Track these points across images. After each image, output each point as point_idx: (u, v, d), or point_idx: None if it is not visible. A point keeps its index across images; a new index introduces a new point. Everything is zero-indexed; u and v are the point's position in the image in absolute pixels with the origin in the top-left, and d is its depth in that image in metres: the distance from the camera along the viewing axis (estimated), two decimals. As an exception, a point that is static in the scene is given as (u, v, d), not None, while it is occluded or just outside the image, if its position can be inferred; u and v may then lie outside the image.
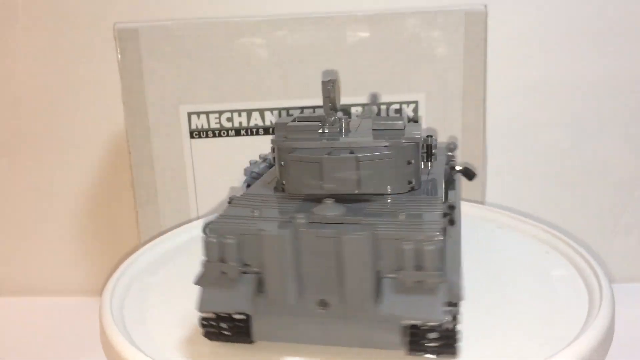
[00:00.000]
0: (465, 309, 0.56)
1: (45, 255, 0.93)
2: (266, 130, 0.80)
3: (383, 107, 0.79)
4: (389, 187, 0.52)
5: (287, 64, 0.78)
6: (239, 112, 0.79)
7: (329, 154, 0.51)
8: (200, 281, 0.47)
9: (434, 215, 0.47)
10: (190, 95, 0.79)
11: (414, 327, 0.45)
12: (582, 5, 0.81)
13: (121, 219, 0.90)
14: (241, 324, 0.49)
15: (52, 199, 0.90)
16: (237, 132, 0.80)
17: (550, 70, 0.83)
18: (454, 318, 0.46)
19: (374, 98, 0.78)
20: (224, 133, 0.80)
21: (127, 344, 0.51)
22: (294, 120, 0.55)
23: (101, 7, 0.82)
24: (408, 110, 0.79)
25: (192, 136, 0.80)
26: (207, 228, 0.47)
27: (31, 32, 0.84)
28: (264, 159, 0.67)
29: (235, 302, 0.46)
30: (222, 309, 0.47)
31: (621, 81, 0.83)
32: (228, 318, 0.49)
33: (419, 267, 0.43)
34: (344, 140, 0.52)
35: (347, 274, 0.44)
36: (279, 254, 0.45)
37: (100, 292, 0.93)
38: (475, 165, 0.80)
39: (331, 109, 0.55)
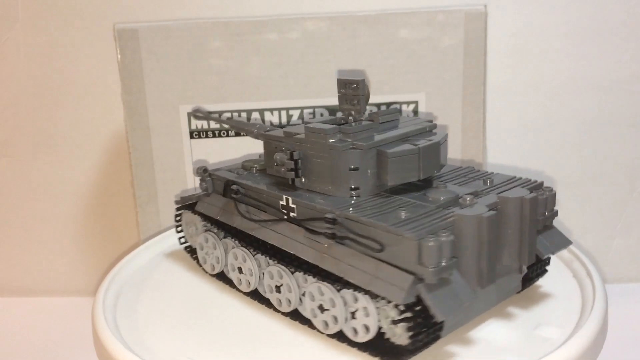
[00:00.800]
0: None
1: (45, 255, 0.93)
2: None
3: (383, 107, 0.79)
4: (442, 166, 0.57)
5: (287, 64, 0.78)
6: (239, 112, 0.79)
7: (414, 144, 0.53)
8: (424, 291, 0.45)
9: (504, 176, 0.57)
10: (190, 95, 0.79)
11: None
12: (582, 5, 0.81)
13: (121, 219, 0.90)
14: (438, 325, 0.48)
15: (52, 198, 0.90)
16: (237, 133, 0.80)
17: (550, 70, 0.83)
18: None
19: (196, 111, 0.77)
20: (224, 133, 0.80)
21: (118, 344, 0.51)
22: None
23: (101, 7, 0.82)
24: (408, 110, 0.79)
25: (192, 136, 0.80)
26: (417, 235, 0.44)
27: (31, 32, 0.84)
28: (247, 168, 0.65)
29: (463, 296, 0.46)
30: (459, 307, 0.46)
31: (621, 81, 0.83)
32: (431, 324, 0.47)
33: (544, 212, 0.53)
34: (397, 132, 0.55)
35: (518, 234, 0.49)
36: (487, 235, 0.47)
37: (100, 292, 0.93)
38: (475, 165, 0.80)
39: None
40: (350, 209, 0.50)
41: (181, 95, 0.79)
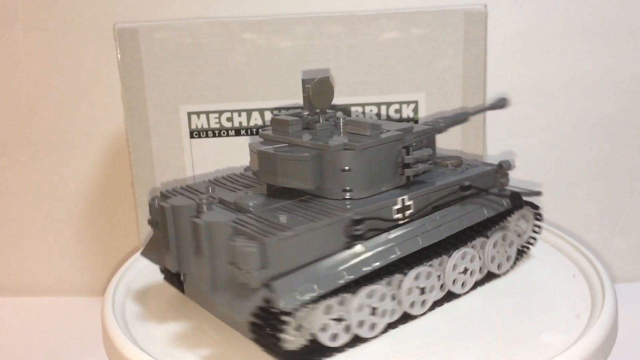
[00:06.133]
0: (468, 309, 0.56)
1: (45, 255, 0.93)
2: (266, 130, 0.80)
3: (383, 107, 0.79)
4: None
5: (287, 64, 0.78)
6: (239, 112, 0.79)
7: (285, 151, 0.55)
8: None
9: (325, 221, 0.50)
10: (190, 95, 0.79)
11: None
12: (582, 5, 0.81)
13: (121, 219, 0.90)
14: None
15: (52, 198, 0.90)
16: (237, 132, 0.80)
17: (550, 70, 0.83)
18: None
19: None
20: (224, 133, 0.80)
21: (129, 343, 0.51)
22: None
23: (101, 7, 0.82)
24: (408, 110, 0.79)
25: (192, 136, 0.80)
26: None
27: (31, 32, 0.84)
28: None
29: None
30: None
31: (621, 81, 0.83)
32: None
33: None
34: (315, 141, 0.55)
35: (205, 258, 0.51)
36: (160, 226, 0.56)
37: (100, 292, 0.94)
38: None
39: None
40: (228, 179, 0.63)
41: (181, 95, 0.79)
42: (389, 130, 0.56)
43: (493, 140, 0.83)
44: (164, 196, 0.58)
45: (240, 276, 0.46)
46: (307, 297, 0.47)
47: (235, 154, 0.80)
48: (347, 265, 0.50)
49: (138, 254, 0.69)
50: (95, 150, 0.88)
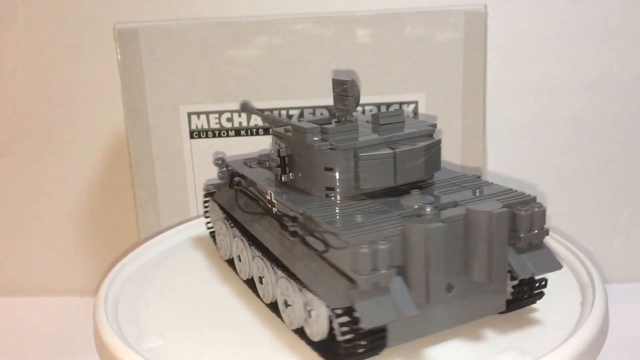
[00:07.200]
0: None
1: (44, 255, 0.93)
2: (266, 131, 0.80)
3: (383, 107, 0.79)
4: (432, 172, 0.56)
5: (287, 64, 0.78)
6: (239, 112, 0.79)
7: (392, 148, 0.52)
8: (356, 297, 0.44)
9: (500, 187, 0.53)
10: (190, 95, 0.79)
11: (520, 284, 0.52)
12: (582, 5, 0.81)
13: (121, 219, 0.90)
14: (380, 334, 0.47)
15: (52, 198, 0.90)
16: (237, 132, 0.80)
17: (550, 70, 0.83)
18: None
19: (246, 105, 0.78)
20: (224, 133, 0.80)
21: (120, 342, 0.51)
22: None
23: (101, 7, 0.82)
24: (408, 110, 0.79)
25: (192, 136, 0.80)
26: (355, 240, 0.44)
27: (31, 32, 0.84)
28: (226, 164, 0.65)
29: (402, 307, 0.44)
30: (392, 318, 0.44)
31: (621, 81, 0.83)
32: (367, 332, 0.46)
33: (529, 229, 0.48)
34: (383, 135, 0.53)
35: (485, 249, 0.47)
36: (435, 248, 0.45)
37: (100, 292, 0.93)
38: (475, 165, 0.80)
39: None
40: (312, 208, 0.50)
41: (181, 95, 0.79)
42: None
43: (493, 140, 0.83)
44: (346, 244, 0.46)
45: (534, 239, 0.50)
46: None
47: (235, 154, 0.80)
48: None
49: (133, 252, 0.69)
50: (95, 150, 0.88)
